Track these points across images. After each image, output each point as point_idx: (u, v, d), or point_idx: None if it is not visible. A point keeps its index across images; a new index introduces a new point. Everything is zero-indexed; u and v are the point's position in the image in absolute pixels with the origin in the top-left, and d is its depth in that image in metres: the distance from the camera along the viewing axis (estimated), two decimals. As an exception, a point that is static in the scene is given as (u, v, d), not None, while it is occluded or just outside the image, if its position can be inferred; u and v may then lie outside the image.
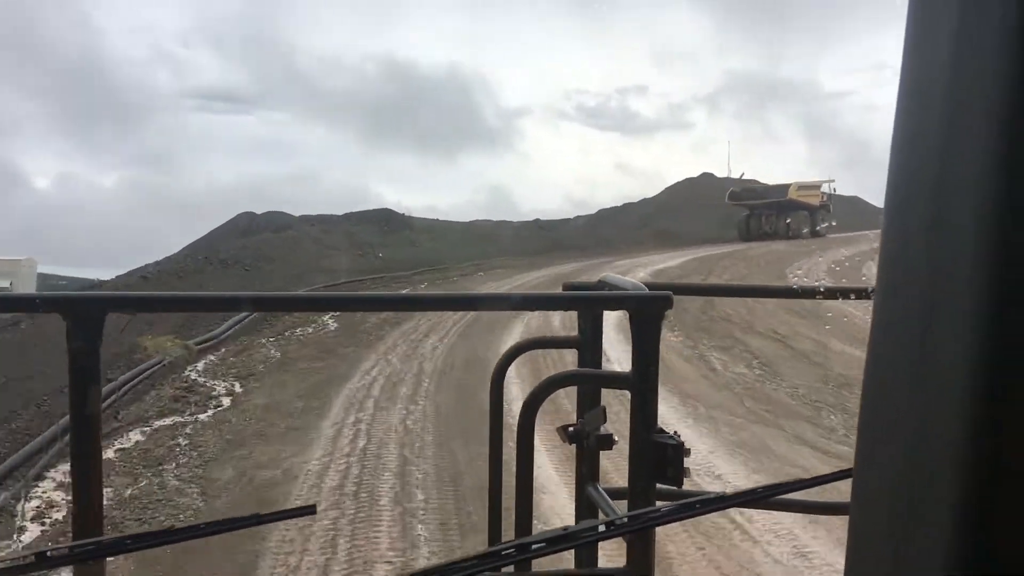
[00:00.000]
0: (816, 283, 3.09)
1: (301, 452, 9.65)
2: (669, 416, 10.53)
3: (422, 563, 6.35)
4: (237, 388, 13.85)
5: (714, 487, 7.87)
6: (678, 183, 55.81)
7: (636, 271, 25.71)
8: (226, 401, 12.93)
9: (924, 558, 0.65)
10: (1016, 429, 0.61)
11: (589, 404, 2.25)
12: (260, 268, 30.17)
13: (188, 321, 19.65)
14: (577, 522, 2.15)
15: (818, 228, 37.42)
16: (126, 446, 10.53)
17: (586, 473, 2.20)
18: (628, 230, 46.27)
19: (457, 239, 41.42)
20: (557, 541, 1.12)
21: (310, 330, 19.57)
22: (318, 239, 36.55)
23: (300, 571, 6.47)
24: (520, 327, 16.55)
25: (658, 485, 1.87)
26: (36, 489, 8.95)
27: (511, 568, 1.46)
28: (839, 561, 5.08)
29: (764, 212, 39.41)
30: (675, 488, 1.86)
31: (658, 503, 1.81)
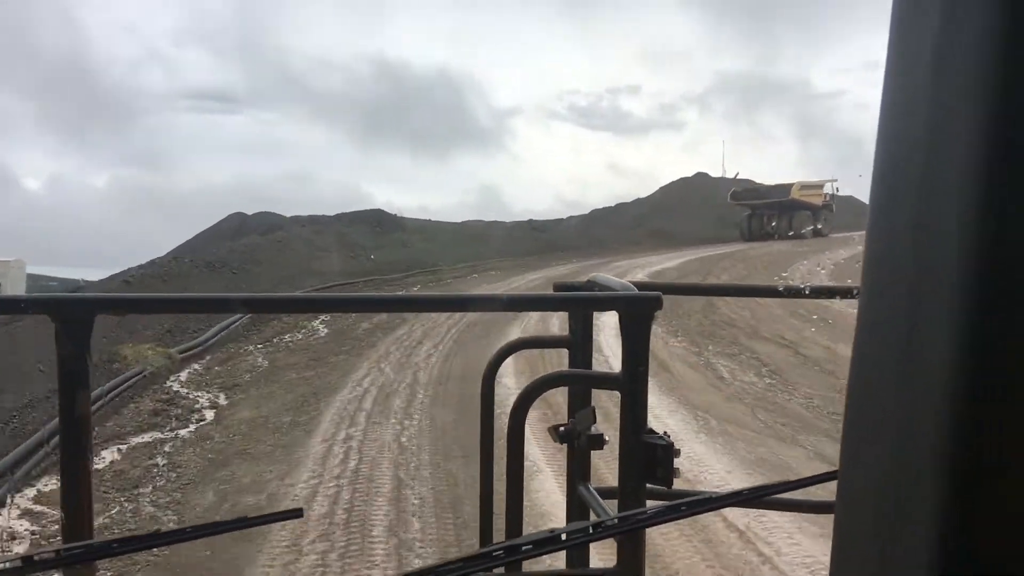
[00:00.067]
0: (801, 285, 2.98)
1: (288, 473, 8.97)
2: (681, 430, 9.90)
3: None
4: (221, 400, 13.15)
5: (736, 512, 7.26)
6: (672, 183, 55.33)
7: (634, 272, 25.12)
8: (209, 415, 12.24)
9: (910, 557, 0.64)
10: (1001, 429, 0.60)
11: (580, 404, 2.28)
12: (248, 271, 29.43)
13: (172, 327, 18.93)
14: (568, 521, 2.28)
15: (820, 227, 37.10)
16: (99, 466, 9.81)
17: (577, 473, 2.25)
18: (622, 230, 45.76)
19: (449, 240, 40.81)
20: (546, 543, 1.13)
21: (299, 336, 18.87)
22: (309, 240, 35.81)
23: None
24: (517, 331, 15.88)
25: (649, 485, 1.85)
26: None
27: (501, 569, 1.42)
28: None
29: (766, 212, 39.11)
30: (665, 488, 1.85)
31: (649, 503, 1.81)
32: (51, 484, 9.24)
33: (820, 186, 38.41)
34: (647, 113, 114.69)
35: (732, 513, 7.28)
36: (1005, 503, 0.61)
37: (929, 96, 0.64)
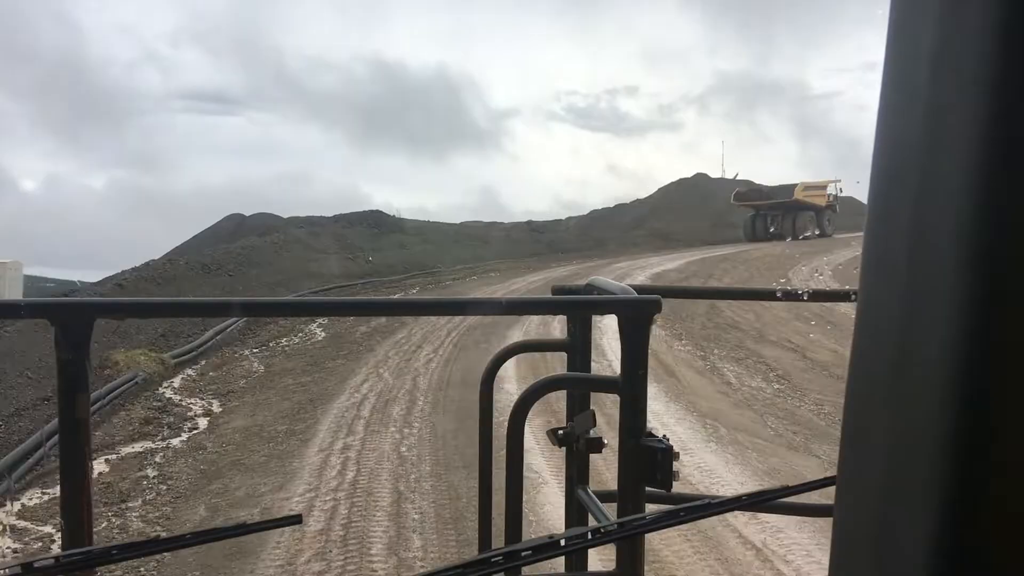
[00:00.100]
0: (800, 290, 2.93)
1: (283, 486, 8.63)
2: (689, 439, 9.57)
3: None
4: (215, 407, 12.80)
5: (752, 529, 6.95)
6: (671, 183, 55.02)
7: (635, 275, 24.81)
8: (202, 423, 11.89)
9: (908, 561, 0.64)
10: (999, 432, 0.60)
11: (578, 407, 2.29)
12: (244, 273, 29.04)
13: (166, 331, 18.57)
14: (567, 525, 2.28)
15: (826, 229, 36.89)
16: (88, 478, 9.48)
17: (576, 476, 2.25)
18: (622, 231, 45.48)
19: (448, 241, 40.50)
20: (545, 549, 1.12)
21: (296, 340, 18.52)
22: (306, 242, 35.42)
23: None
24: (519, 335, 15.55)
25: (648, 488, 1.84)
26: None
27: (500, 575, 1.40)
28: None
29: (770, 213, 38.86)
30: (664, 492, 1.83)
31: (648, 507, 1.84)
32: (36, 498, 8.90)
33: (823, 187, 38.21)
34: (646, 114, 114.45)
35: (748, 529, 6.96)
36: (1003, 507, 0.60)
37: (927, 96, 0.64)
